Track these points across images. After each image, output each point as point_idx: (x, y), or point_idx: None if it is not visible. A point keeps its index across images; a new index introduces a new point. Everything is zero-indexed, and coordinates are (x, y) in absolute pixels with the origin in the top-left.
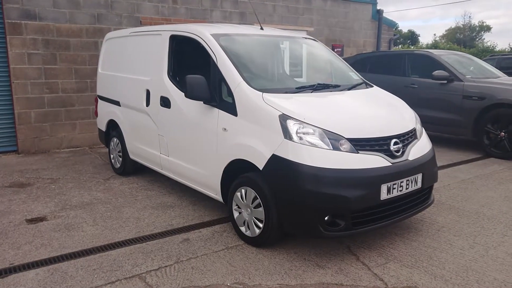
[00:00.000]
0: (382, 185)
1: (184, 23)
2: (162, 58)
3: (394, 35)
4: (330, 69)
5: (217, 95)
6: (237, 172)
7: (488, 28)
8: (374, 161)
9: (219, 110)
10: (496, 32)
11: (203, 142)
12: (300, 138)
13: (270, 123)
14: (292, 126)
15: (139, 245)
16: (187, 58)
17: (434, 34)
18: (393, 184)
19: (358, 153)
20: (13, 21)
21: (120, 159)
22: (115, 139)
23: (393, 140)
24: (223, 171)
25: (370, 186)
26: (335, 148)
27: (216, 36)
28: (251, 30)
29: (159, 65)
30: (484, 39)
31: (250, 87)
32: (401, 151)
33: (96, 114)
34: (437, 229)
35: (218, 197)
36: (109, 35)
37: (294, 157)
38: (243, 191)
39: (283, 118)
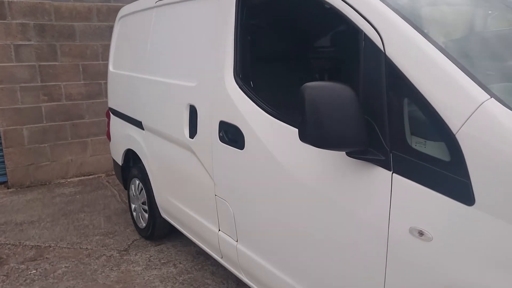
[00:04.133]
0: None
1: None
2: (222, 44)
3: None
4: None
5: (388, 135)
6: None
7: None
8: None
9: (396, 177)
10: None
11: (340, 247)
12: None
13: None
14: None
15: None
16: (280, 41)
17: None
18: None
19: None
20: None
21: (146, 215)
22: (137, 182)
23: None
24: None
25: None
26: None
27: None
28: None
29: (216, 59)
30: None
31: None
32: None
33: (108, 136)
34: None
35: None
36: (123, 10)
37: None
38: None
39: None
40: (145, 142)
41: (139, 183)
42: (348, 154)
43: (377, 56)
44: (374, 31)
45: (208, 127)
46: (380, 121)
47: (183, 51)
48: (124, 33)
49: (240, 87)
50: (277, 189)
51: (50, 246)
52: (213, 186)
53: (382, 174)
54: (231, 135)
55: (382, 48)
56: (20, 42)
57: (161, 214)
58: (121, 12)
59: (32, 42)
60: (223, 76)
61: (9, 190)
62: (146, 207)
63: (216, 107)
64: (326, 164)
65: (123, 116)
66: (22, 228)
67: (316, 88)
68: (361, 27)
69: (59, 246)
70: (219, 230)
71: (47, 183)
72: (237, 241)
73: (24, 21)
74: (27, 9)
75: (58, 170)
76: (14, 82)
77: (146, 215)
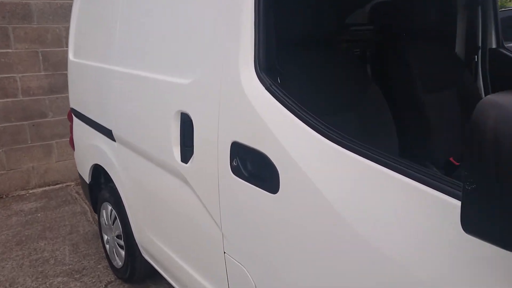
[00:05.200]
0: None
1: None
2: (236, 19)
3: None
4: None
5: None
6: None
7: None
8: None
9: None
10: None
11: None
12: None
13: None
14: None
15: None
16: (330, 16)
17: None
18: None
19: None
20: None
21: (122, 252)
22: (109, 207)
23: None
24: None
25: None
26: None
27: None
28: None
29: (224, 43)
30: None
31: None
32: None
33: (71, 144)
34: None
35: None
36: None
37: None
38: None
39: None
40: (117, 158)
41: (111, 210)
42: None
43: None
44: None
45: (212, 150)
46: None
47: (170, 32)
48: (87, 9)
49: (267, 88)
50: (347, 267)
51: None
52: (220, 239)
53: None
54: (253, 167)
55: None
56: None
57: (142, 254)
58: None
59: None
60: (237, 69)
61: None
62: (122, 242)
63: (225, 119)
64: (465, 247)
65: (88, 120)
66: None
67: None
68: None
69: None
70: None
71: (4, 196)
72: None
73: None
74: None
75: (17, 180)
76: None
77: (123, 253)
